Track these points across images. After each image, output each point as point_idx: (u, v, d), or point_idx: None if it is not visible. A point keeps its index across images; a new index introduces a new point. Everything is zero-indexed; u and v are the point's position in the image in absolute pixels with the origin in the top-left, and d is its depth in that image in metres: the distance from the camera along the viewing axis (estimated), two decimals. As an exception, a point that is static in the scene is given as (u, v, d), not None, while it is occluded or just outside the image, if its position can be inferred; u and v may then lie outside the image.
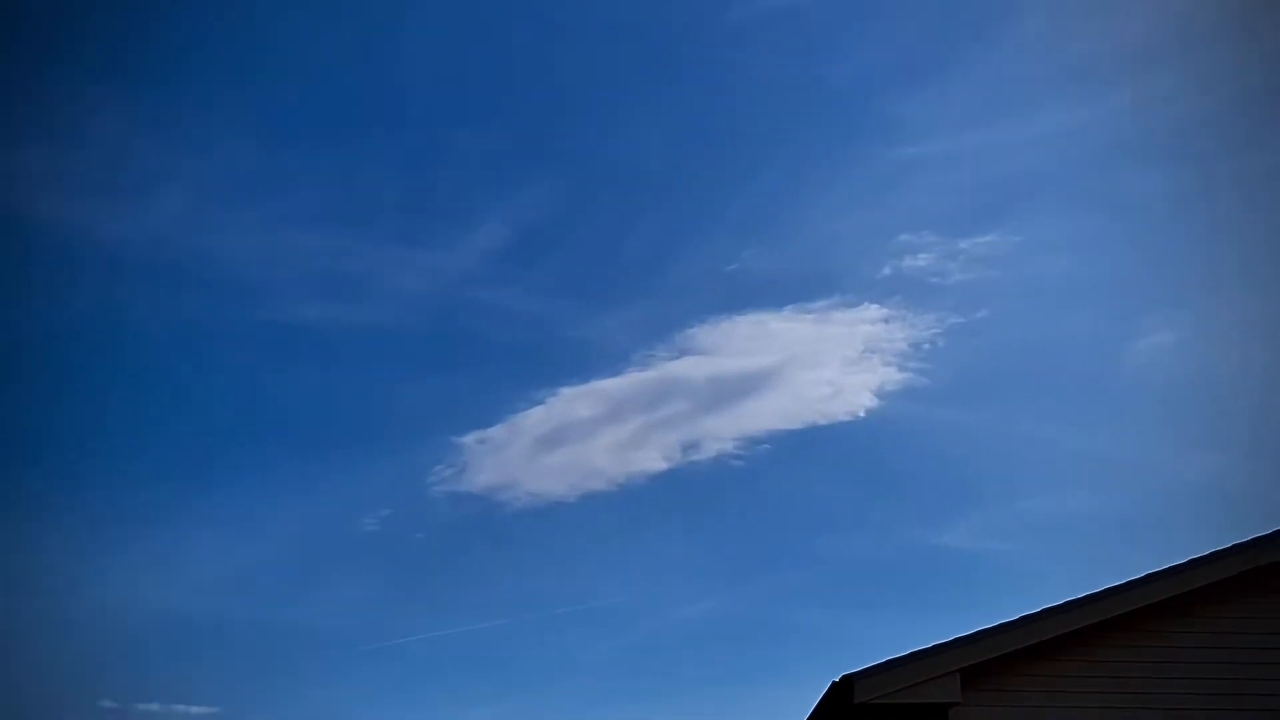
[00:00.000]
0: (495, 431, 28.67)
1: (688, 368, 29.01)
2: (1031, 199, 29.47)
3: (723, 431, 28.42)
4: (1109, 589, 14.54)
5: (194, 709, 26.43)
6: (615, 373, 29.14)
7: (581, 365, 29.38)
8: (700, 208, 30.69)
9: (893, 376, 28.32)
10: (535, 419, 28.81)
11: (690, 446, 28.19)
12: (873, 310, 28.89)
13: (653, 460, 28.19)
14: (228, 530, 27.56)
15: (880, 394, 28.26)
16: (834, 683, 13.93)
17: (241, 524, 27.55)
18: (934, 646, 14.12)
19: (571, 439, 28.75)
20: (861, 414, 28.13)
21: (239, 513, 27.63)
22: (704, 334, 29.07)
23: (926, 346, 28.48)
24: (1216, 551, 14.68)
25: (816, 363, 28.87)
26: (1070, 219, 28.96)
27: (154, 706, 26.31)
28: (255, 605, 26.95)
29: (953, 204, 29.83)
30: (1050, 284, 29.02)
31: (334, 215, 29.37)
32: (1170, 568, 14.58)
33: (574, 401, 28.91)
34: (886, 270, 29.25)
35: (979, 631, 14.13)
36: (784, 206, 30.46)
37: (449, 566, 28.50)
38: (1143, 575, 14.61)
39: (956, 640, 14.20)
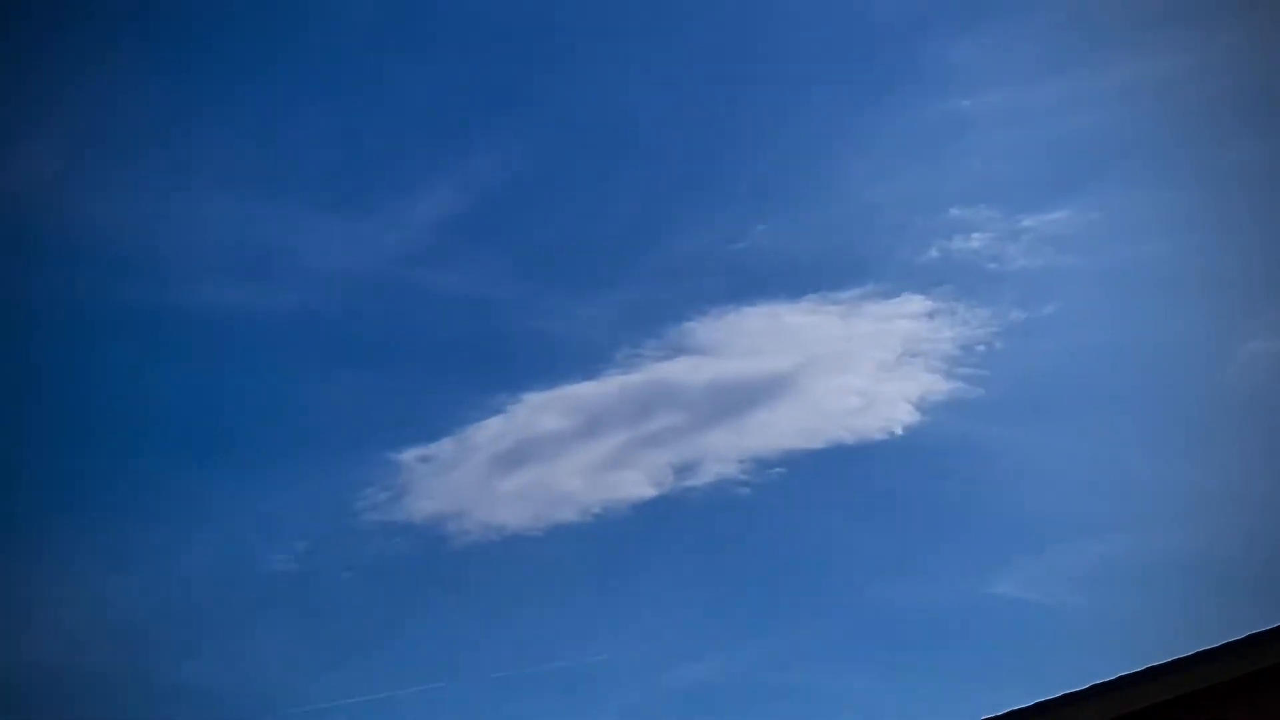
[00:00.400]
0: (441, 447, 26.76)
1: (683, 370, 27.25)
2: (1114, 167, 27.50)
3: (725, 450, 26.57)
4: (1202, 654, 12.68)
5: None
6: (592, 375, 27.18)
7: (550, 365, 27.45)
8: (702, 171, 28.98)
9: (937, 385, 26.49)
10: (491, 432, 26.84)
11: (685, 468, 26.29)
12: (914, 302, 26.82)
13: (638, 485, 26.30)
14: (97, 566, 25.71)
15: (922, 407, 26.50)
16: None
17: (116, 559, 25.74)
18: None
19: (537, 457, 26.95)
20: (898, 431, 26.31)
21: (113, 544, 25.68)
22: (704, 329, 27.23)
23: (980, 349, 26.61)
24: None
25: (843, 367, 27.17)
26: (1162, 192, 27.01)
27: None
28: (135, 661, 24.98)
29: (1015, 172, 27.99)
30: (1135, 273, 27.26)
31: (242, 173, 27.77)
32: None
33: (540, 410, 26.98)
34: (932, 253, 27.34)
35: (1040, 705, 12.27)
36: (806, 171, 28.92)
37: (381, 615, 26.32)
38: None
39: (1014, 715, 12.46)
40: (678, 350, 27.29)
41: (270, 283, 28.01)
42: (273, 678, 26.11)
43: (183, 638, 26.05)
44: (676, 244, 28.70)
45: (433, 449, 26.96)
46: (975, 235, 27.03)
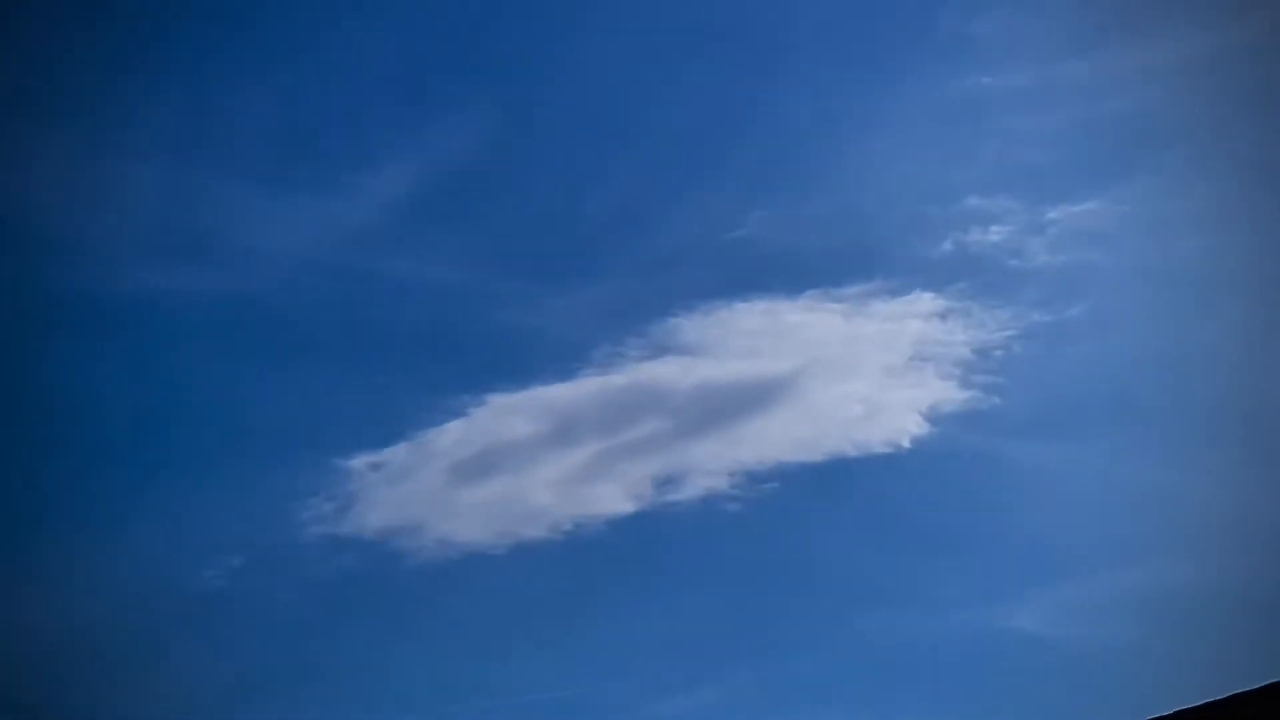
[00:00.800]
0: (395, 453, 26.22)
1: (668, 372, 26.66)
2: (1150, 156, 27.19)
3: (714, 462, 26.03)
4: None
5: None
6: (566, 376, 26.63)
7: (520, 364, 26.88)
8: (694, 151, 28.42)
9: (950, 394, 25.83)
10: (452, 437, 26.32)
11: (668, 481, 25.71)
12: (926, 301, 26.29)
13: (615, 499, 25.61)
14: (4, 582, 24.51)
15: (932, 417, 25.87)
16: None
17: (19, 572, 24.20)
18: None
19: (502, 466, 26.25)
20: (905, 444, 25.54)
21: (16, 555, 24.41)
22: (692, 326, 26.70)
23: (999, 354, 26.07)
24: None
25: (846, 371, 26.43)
26: (1203, 185, 26.68)
27: None
28: (36, 690, 23.36)
29: (1040, 158, 27.49)
30: (1171, 273, 26.70)
31: (177, 143, 27.25)
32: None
33: (507, 414, 26.47)
34: (947, 246, 26.77)
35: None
36: (809, 154, 28.34)
37: (324, 640, 25.21)
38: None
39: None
40: (663, 350, 26.98)
41: (207, 266, 27.57)
42: (203, 708, 24.64)
43: (93, 664, 24.87)
44: (663, 231, 28.48)
45: (386, 455, 26.58)
46: (994, 228, 26.76)
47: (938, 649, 25.16)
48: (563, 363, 26.92)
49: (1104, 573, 25.10)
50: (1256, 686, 13.06)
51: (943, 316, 26.39)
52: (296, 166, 28.20)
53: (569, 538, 25.83)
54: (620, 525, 25.91)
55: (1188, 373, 26.36)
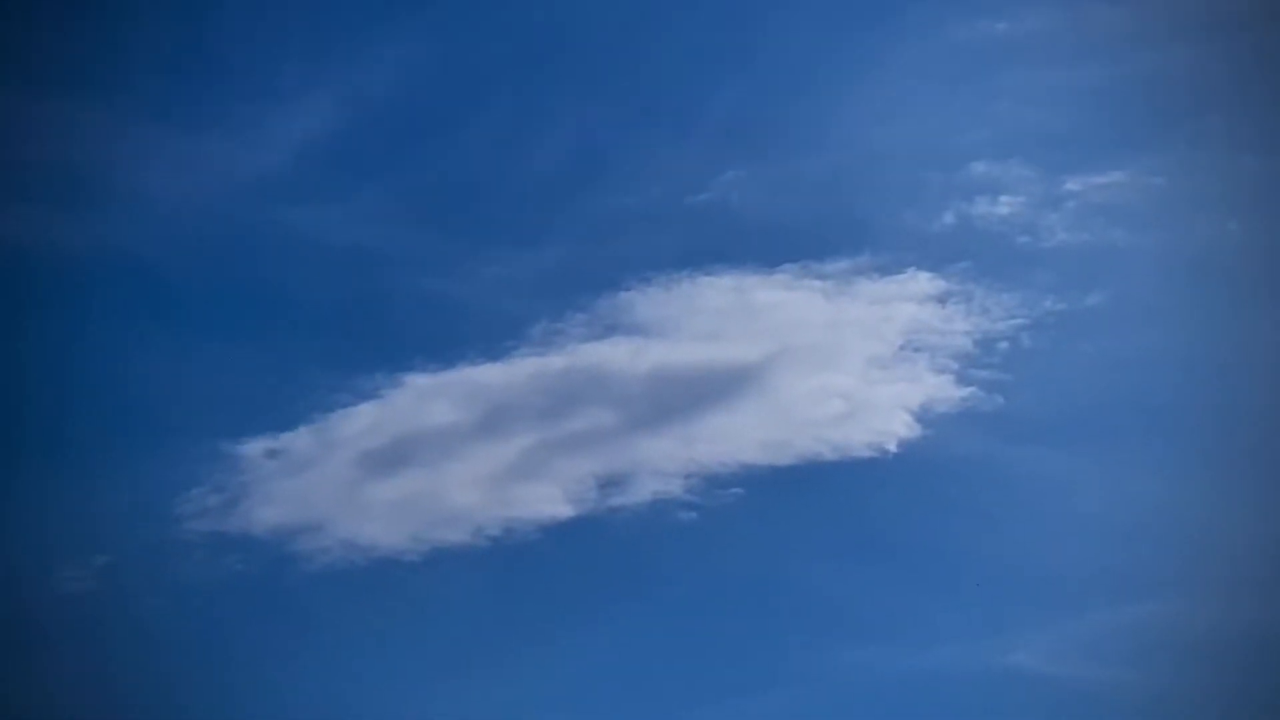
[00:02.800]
0: (294, 439, 25.72)
1: (617, 355, 26.38)
2: (1185, 121, 27.44)
3: (667, 462, 25.45)
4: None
5: None
6: (497, 355, 26.25)
7: (443, 339, 26.55)
8: (655, 97, 28.32)
9: (946, 390, 25.41)
10: (361, 423, 25.89)
11: (613, 482, 25.39)
12: (921, 281, 26.10)
13: (551, 501, 25.27)
14: None
15: (924, 417, 25.35)
16: None
17: None
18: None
19: (420, 458, 25.83)
20: (892, 447, 25.09)
21: None
22: (646, 302, 26.60)
23: (1004, 346, 25.68)
24: None
25: (825, 360, 25.99)
26: (1245, 157, 27.21)
27: None
28: None
29: (1061, 119, 27.28)
30: (1207, 257, 26.70)
31: (48, 73, 26.82)
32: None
33: (427, 398, 26.10)
34: (947, 218, 26.59)
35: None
36: (790, 107, 28.12)
37: (204, 655, 24.30)
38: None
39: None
40: (610, 328, 26.67)
41: (81, 214, 27.06)
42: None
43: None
44: (616, 190, 28.15)
45: (283, 441, 26.00)
46: (1004, 199, 26.59)
47: (924, 687, 24.30)
48: (494, 340, 26.69)
49: (1116, 605, 24.44)
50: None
51: (940, 300, 26.14)
52: (187, 100, 28.09)
53: (495, 544, 25.36)
54: (556, 532, 25.48)
55: (1223, 375, 25.97)
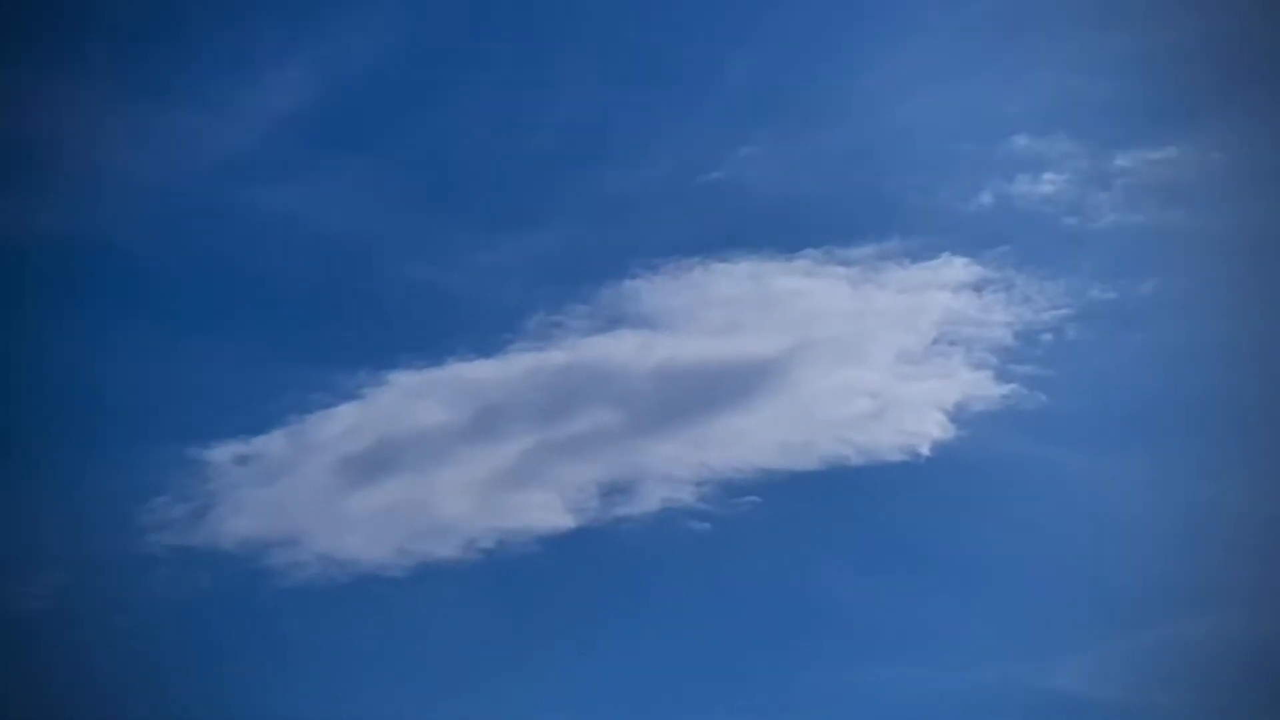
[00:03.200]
0: (268, 443, 25.19)
1: (622, 350, 25.91)
2: (1252, 90, 26.51)
3: (677, 467, 24.93)
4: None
5: None
6: (491, 350, 25.70)
7: (431, 333, 26.07)
8: (663, 64, 27.95)
9: (984, 387, 24.87)
10: (341, 425, 25.37)
11: (618, 490, 24.75)
12: (956, 268, 25.58)
13: (550, 511, 24.89)
14: None
15: (960, 418, 24.79)
16: None
17: None
18: None
19: (406, 464, 25.27)
20: (924, 451, 24.54)
21: None
22: (654, 291, 26.09)
23: (1047, 338, 25.21)
24: None
25: (850, 354, 25.53)
26: None
27: None
28: None
29: (1106, 86, 26.72)
30: (1275, 238, 26.07)
31: (2, 46, 26.36)
32: None
33: (414, 397, 25.58)
34: (985, 198, 26.10)
35: None
36: (812, 74, 27.77)
37: (169, 679, 23.52)
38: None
39: None
40: (615, 320, 26.29)
41: (35, 195, 26.43)
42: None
43: None
44: (620, 168, 27.68)
45: (255, 445, 25.52)
46: (1047, 176, 26.21)
47: (957, 712, 23.66)
48: (486, 333, 26.26)
49: (1170, 621, 23.83)
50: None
51: (977, 288, 25.74)
52: (151, 72, 27.54)
53: (489, 558, 24.79)
54: (555, 544, 25.00)
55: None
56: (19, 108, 26.59)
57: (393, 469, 25.62)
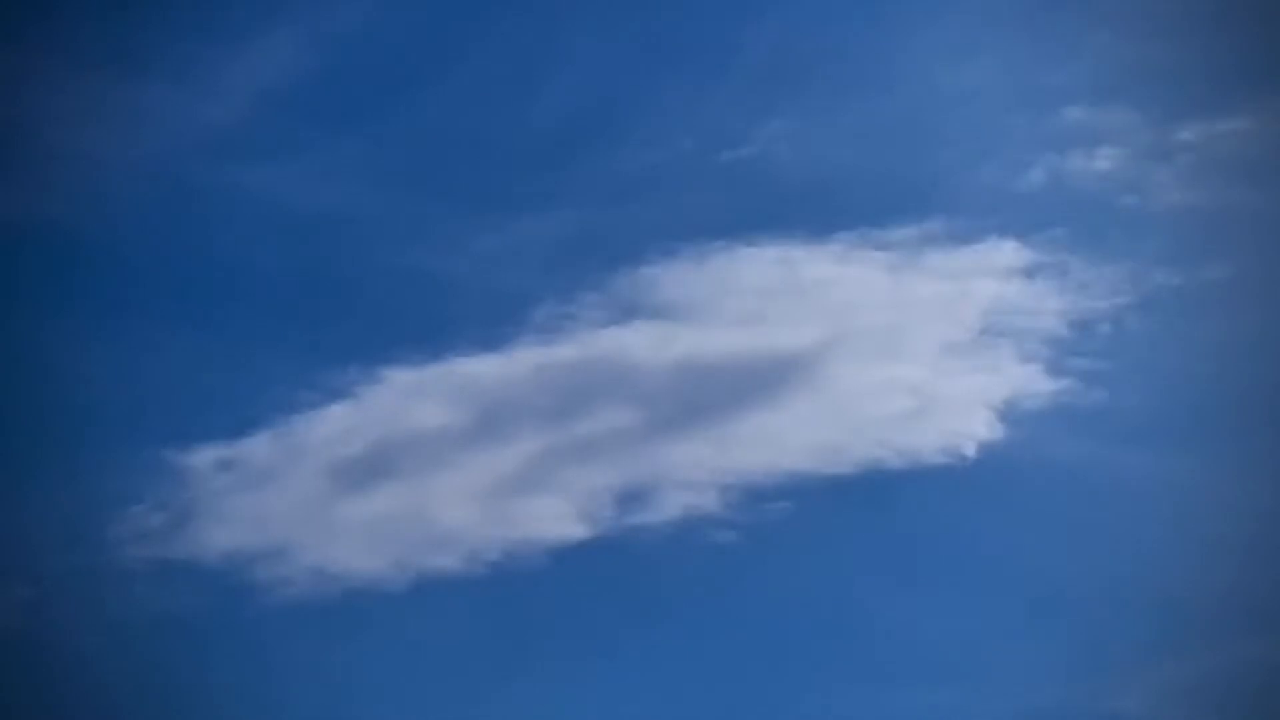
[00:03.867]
0: (253, 446, 24.13)
1: (639, 343, 24.71)
2: None
3: (699, 471, 23.88)
4: None
5: None
6: (496, 345, 24.57)
7: (430, 326, 24.85)
8: (684, 30, 26.40)
9: (1036, 383, 23.76)
10: (333, 426, 24.29)
11: (634, 497, 23.78)
12: (1004, 252, 24.38)
13: (560, 519, 23.69)
14: None
15: (1009, 416, 23.63)
16: None
17: None
18: None
19: (402, 469, 24.20)
20: (970, 453, 23.43)
21: None
22: (674, 279, 24.80)
23: (1105, 328, 24.06)
24: None
25: (889, 347, 24.36)
26: None
27: None
28: None
29: (1169, 52, 25.38)
30: None
31: None
32: None
33: (411, 396, 24.56)
34: (1035, 175, 24.81)
35: None
36: (847, 40, 26.39)
37: (144, 703, 22.58)
38: None
39: None
40: (631, 311, 24.95)
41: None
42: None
43: None
44: (637, 144, 26.19)
45: (239, 449, 24.26)
46: (1104, 151, 24.84)
47: None
48: (491, 326, 25.10)
49: (1242, 640, 22.33)
50: None
51: (1027, 274, 24.56)
52: (126, 42, 26.33)
53: (494, 571, 23.74)
54: (566, 556, 23.88)
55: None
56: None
57: (388, 474, 24.47)
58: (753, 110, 26.09)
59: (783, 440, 24.13)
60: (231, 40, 26.04)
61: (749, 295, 25.05)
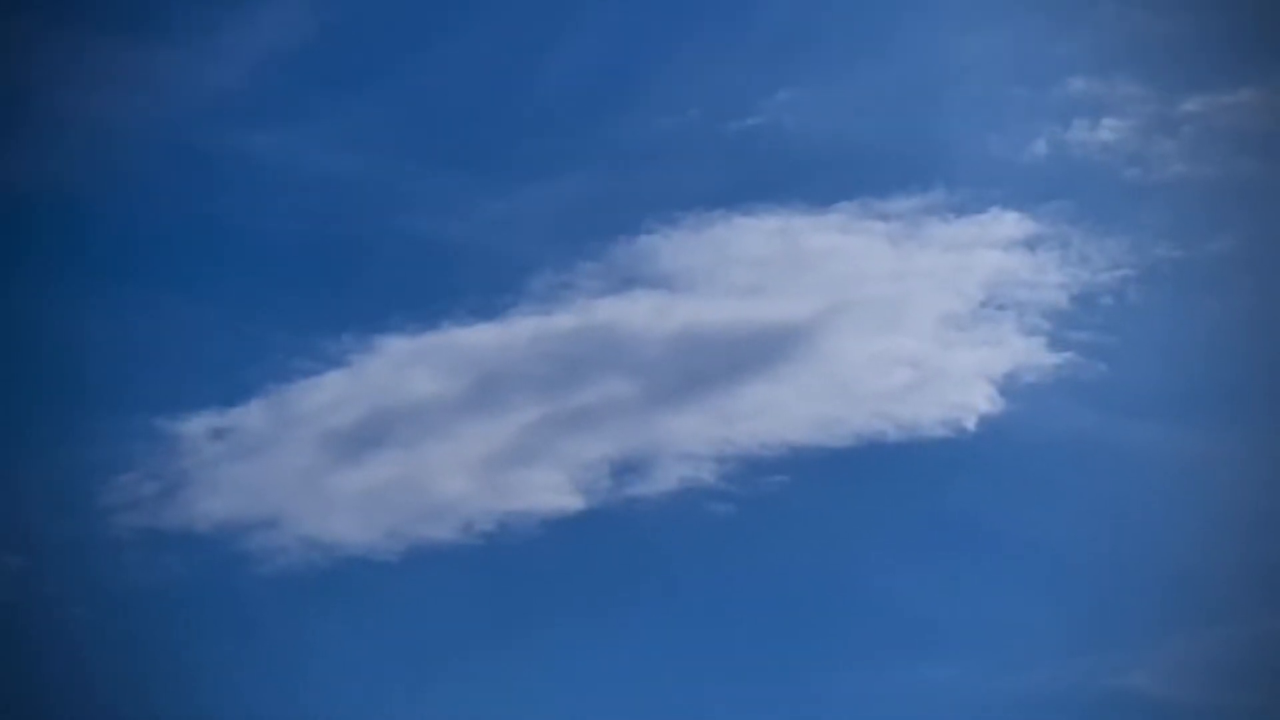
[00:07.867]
0: (245, 414, 23.42)
1: (637, 313, 24.16)
2: None
3: (697, 443, 23.20)
4: None
5: None
6: (493, 313, 23.92)
7: (426, 293, 24.17)
8: (690, 1, 26.52)
9: (1037, 356, 23.29)
10: (327, 395, 23.62)
11: (631, 468, 23.03)
12: (1007, 223, 23.93)
13: (556, 491, 23.00)
14: None
15: (1010, 389, 23.13)
16: None
17: None
18: None
19: (398, 439, 23.46)
20: (970, 426, 22.84)
21: None
22: (673, 248, 24.30)
23: (1107, 301, 23.65)
24: None
25: (890, 318, 23.85)
26: None
27: None
28: None
29: (1173, 23, 24.93)
30: None
31: None
32: None
33: (406, 365, 23.80)
34: (1039, 146, 24.56)
35: None
36: (851, 10, 25.91)
37: (136, 673, 21.78)
38: None
39: None
40: (630, 280, 24.55)
41: None
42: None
43: None
44: (641, 113, 25.82)
45: (231, 417, 23.70)
46: (1108, 122, 24.62)
47: (1016, 714, 21.57)
48: (488, 294, 24.42)
49: (1252, 615, 21.71)
50: None
51: (1029, 246, 24.16)
52: (132, 8, 25.52)
53: (490, 542, 22.95)
54: (562, 527, 23.15)
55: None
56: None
57: (383, 444, 23.85)
58: (760, 80, 25.76)
59: (781, 412, 23.63)
60: (237, 5, 25.58)
61: (748, 265, 24.69)
